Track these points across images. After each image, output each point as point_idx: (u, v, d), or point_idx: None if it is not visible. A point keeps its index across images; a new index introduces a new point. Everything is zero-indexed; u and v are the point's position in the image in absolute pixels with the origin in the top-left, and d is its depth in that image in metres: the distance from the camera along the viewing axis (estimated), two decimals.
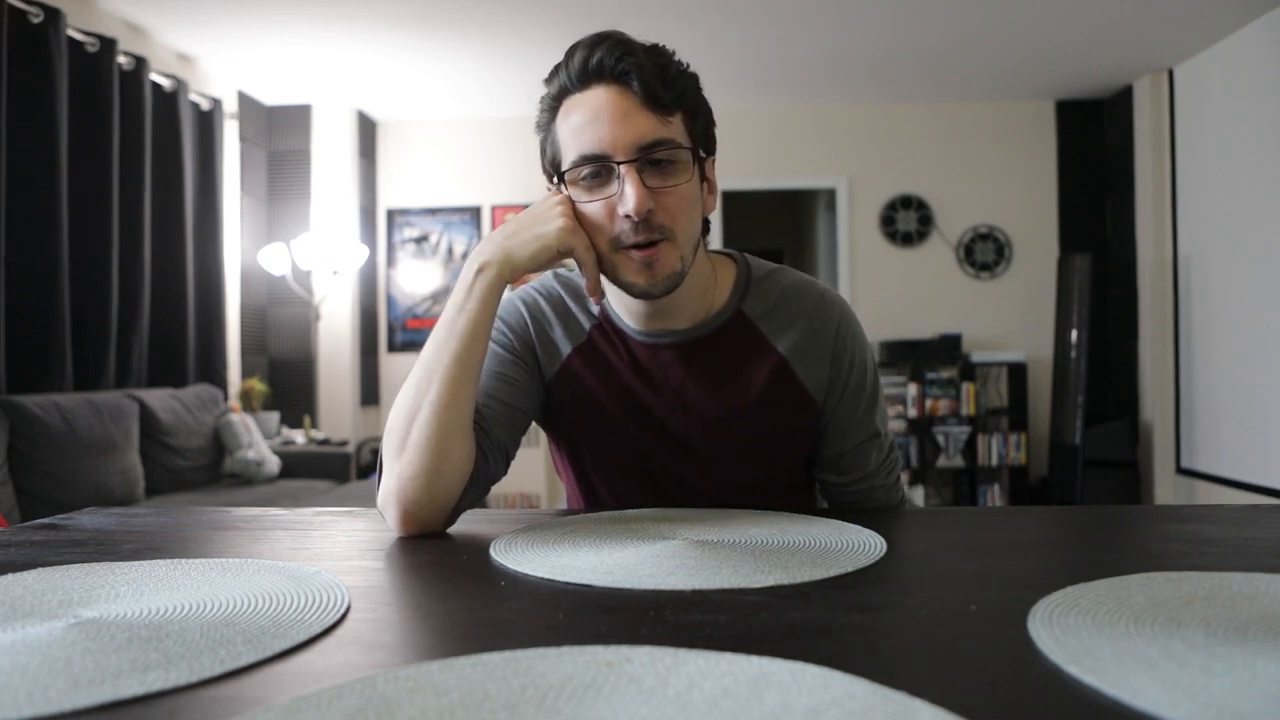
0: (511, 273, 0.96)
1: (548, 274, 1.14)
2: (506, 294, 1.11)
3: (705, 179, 1.02)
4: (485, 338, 0.96)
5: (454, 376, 0.93)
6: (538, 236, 0.95)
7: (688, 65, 0.99)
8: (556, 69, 0.97)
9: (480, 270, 0.96)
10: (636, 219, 0.92)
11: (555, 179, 1.00)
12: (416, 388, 0.94)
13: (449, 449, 0.92)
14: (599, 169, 0.93)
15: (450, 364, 0.93)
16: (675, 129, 0.95)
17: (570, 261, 1.00)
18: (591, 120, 0.93)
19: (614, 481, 1.12)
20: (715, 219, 1.15)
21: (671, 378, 1.06)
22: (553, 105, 0.97)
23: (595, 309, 1.10)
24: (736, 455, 1.08)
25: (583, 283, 1.09)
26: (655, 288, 0.97)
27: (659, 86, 0.92)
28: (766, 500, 1.05)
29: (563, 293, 1.12)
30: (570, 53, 0.96)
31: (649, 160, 0.93)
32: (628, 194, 0.92)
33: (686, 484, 1.09)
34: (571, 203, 0.97)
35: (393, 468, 0.93)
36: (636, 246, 0.94)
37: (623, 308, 1.07)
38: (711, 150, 1.02)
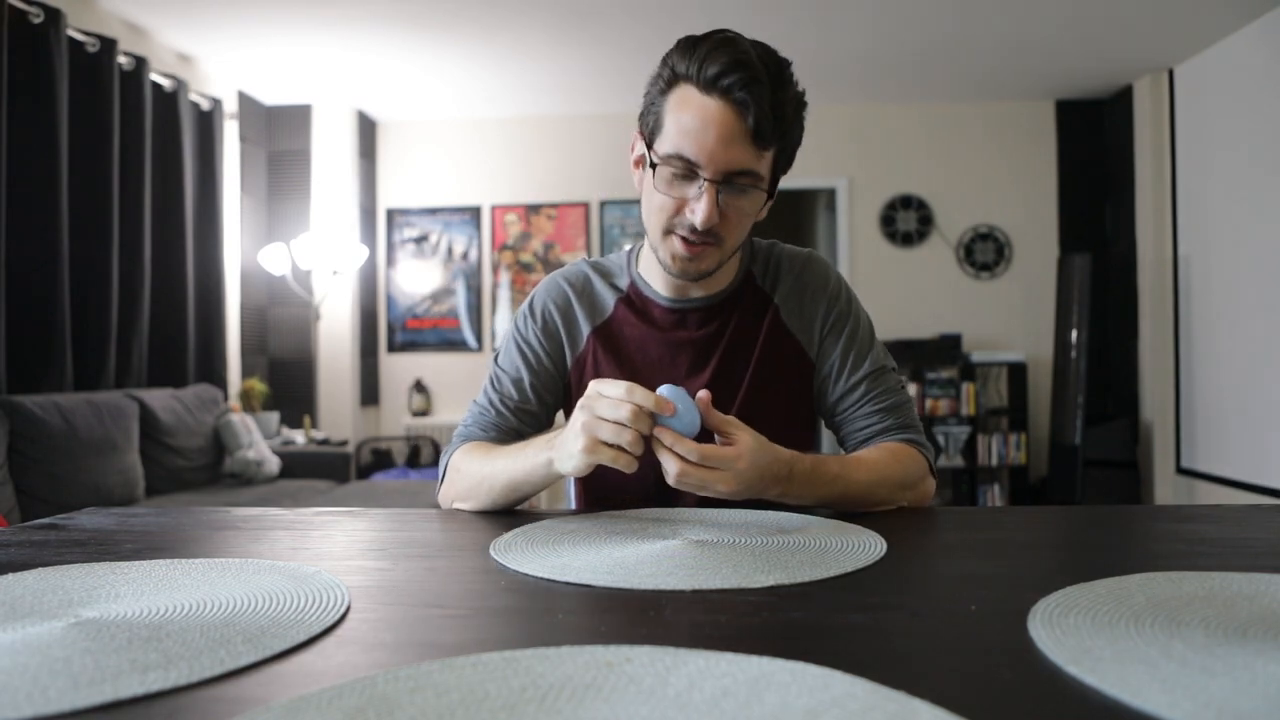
0: (557, 475, 1.01)
1: (579, 260, 1.25)
2: (539, 291, 1.24)
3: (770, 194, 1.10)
4: (525, 490, 1.05)
5: (501, 493, 1.06)
6: (569, 455, 0.94)
7: (802, 92, 1.03)
8: (692, 46, 0.99)
9: (549, 462, 0.99)
10: (701, 230, 1.01)
11: (647, 149, 1.05)
12: (487, 484, 1.06)
13: (496, 510, 1.09)
14: (686, 171, 1.00)
15: (500, 488, 1.06)
16: (765, 163, 1.02)
17: (611, 257, 1.21)
18: (700, 129, 0.98)
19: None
20: None
21: (690, 339, 1.16)
22: (671, 79, 1.01)
23: (625, 284, 1.20)
24: (743, 414, 1.08)
25: (613, 267, 1.23)
26: (687, 275, 1.08)
27: (769, 125, 0.98)
28: None
29: (589, 272, 1.22)
30: (707, 50, 0.98)
31: (729, 183, 1.00)
32: (702, 207, 1.00)
33: None
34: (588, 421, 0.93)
35: (448, 499, 1.13)
36: (686, 241, 1.04)
37: (654, 276, 1.17)
38: (787, 170, 1.10)
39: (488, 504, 1.07)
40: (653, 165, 1.03)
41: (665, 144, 1.01)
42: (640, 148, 1.07)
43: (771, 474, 0.93)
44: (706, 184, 0.99)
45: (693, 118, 0.99)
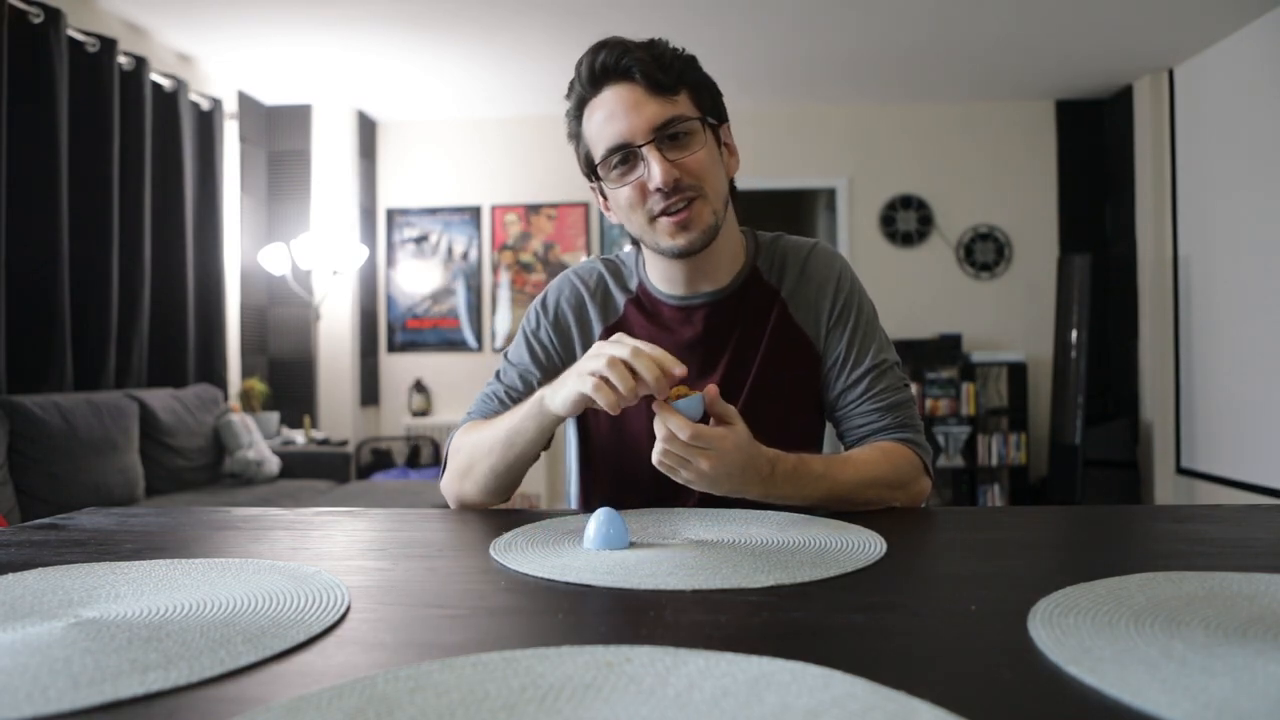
0: (550, 416, 1.02)
1: (593, 258, 1.25)
2: (553, 287, 1.24)
3: (724, 144, 1.13)
4: (520, 444, 1.06)
5: (500, 454, 1.08)
6: (562, 386, 0.98)
7: (683, 49, 1.10)
8: (571, 83, 1.09)
9: (540, 399, 1.03)
10: (665, 189, 1.04)
11: (591, 176, 1.12)
12: (486, 446, 1.08)
13: (496, 489, 1.11)
14: (625, 155, 1.05)
15: (499, 448, 1.07)
16: (683, 105, 1.06)
17: (622, 255, 1.24)
18: (609, 117, 1.05)
19: (620, 454, 1.16)
20: None
21: (699, 337, 1.16)
22: (576, 114, 1.10)
23: (634, 285, 1.21)
24: (748, 410, 1.09)
25: (623, 268, 1.24)
26: (693, 243, 1.08)
27: (659, 73, 1.04)
28: None
29: (603, 271, 1.23)
30: (579, 65, 1.07)
31: (666, 137, 1.04)
32: (654, 169, 1.03)
33: None
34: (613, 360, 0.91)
35: (451, 480, 1.13)
36: (670, 213, 1.05)
37: (660, 277, 1.17)
38: (722, 118, 1.13)
39: (487, 470, 1.08)
40: (597, 177, 1.09)
41: (598, 150, 1.07)
42: (592, 182, 1.13)
43: (754, 469, 0.94)
44: (645, 148, 1.03)
45: (600, 114, 1.06)
